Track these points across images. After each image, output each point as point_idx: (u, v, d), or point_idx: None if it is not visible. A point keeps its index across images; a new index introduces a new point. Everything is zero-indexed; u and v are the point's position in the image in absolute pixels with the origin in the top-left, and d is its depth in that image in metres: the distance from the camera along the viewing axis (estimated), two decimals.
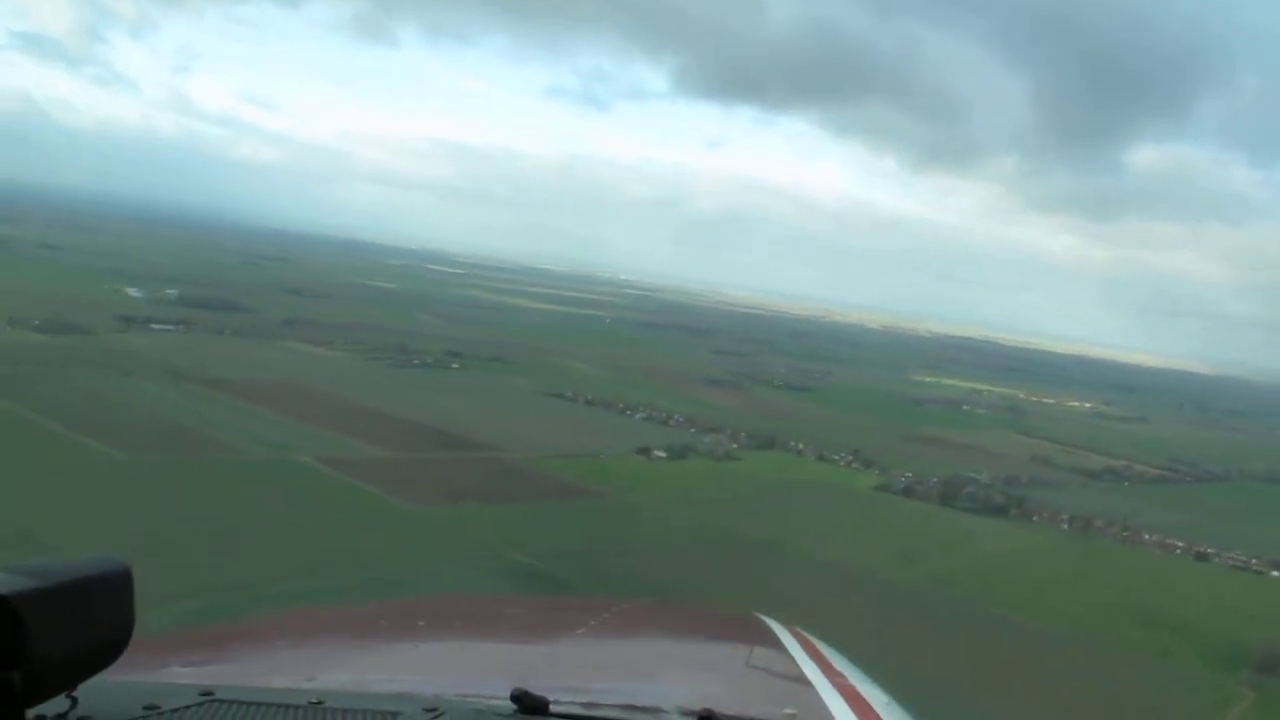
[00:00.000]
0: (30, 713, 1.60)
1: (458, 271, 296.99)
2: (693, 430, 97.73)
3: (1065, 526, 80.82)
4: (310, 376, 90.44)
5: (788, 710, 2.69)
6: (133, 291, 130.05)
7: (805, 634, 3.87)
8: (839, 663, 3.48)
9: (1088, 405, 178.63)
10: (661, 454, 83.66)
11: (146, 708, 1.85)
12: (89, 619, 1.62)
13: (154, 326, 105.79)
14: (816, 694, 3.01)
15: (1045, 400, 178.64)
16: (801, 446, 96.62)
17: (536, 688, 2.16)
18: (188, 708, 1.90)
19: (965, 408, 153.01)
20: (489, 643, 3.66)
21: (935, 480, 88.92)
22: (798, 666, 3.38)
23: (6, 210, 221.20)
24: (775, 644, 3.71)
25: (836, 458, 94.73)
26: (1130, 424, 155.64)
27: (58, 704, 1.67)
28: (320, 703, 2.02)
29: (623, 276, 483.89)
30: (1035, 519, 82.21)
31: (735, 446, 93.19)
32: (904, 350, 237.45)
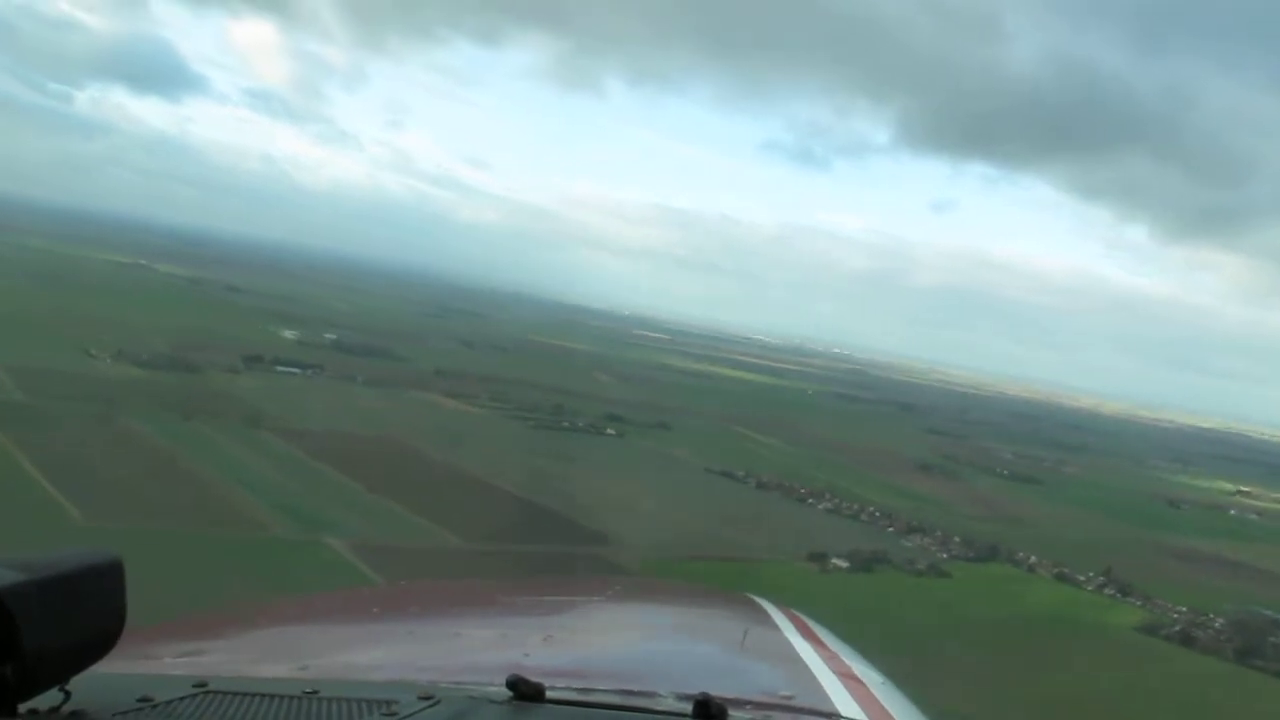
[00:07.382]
0: (23, 707, 1.56)
1: (661, 337, 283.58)
2: (890, 529, 77.06)
3: None
4: (422, 434, 75.55)
5: (784, 692, 2.65)
6: (288, 334, 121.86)
7: (800, 615, 3.80)
8: (835, 644, 3.41)
9: None
10: (842, 563, 62.95)
11: (140, 700, 1.82)
12: (81, 612, 1.58)
13: (278, 369, 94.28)
14: (812, 675, 2.95)
15: None
16: (1034, 559, 74.31)
17: (532, 673, 2.13)
18: (181, 699, 1.87)
19: (1233, 513, 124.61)
20: (483, 628, 3.56)
21: (1222, 620, 65.42)
22: (793, 648, 3.30)
23: (219, 257, 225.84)
24: (771, 625, 3.66)
25: (1082, 578, 71.96)
26: None
27: (50, 698, 1.63)
28: (315, 692, 1.98)
29: (836, 349, 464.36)
30: None
31: (944, 556, 71.53)
32: (1145, 441, 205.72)
